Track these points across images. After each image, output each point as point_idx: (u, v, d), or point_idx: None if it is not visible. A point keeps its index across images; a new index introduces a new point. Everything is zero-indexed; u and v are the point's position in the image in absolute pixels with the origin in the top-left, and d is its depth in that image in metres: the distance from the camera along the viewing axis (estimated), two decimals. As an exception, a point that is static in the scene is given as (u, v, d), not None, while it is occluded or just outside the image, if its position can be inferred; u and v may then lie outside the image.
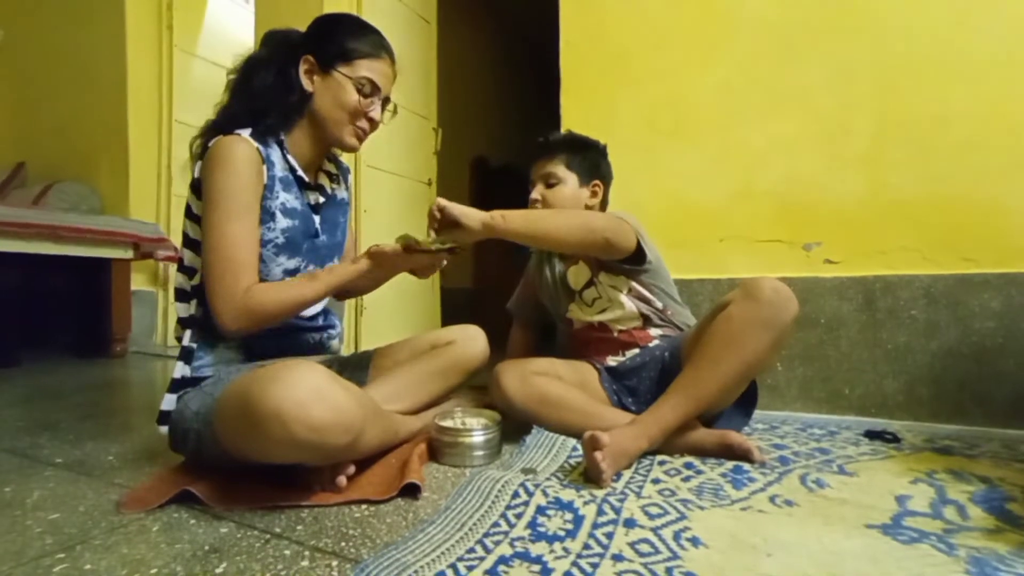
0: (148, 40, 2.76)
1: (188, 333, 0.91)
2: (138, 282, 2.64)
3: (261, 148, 0.91)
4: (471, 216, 0.95)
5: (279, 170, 0.94)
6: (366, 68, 0.95)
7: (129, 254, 2.38)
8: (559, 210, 1.22)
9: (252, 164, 0.89)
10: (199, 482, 0.79)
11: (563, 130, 1.30)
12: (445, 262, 1.01)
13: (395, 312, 2.48)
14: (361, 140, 1.00)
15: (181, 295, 0.94)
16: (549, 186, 1.26)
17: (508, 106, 4.76)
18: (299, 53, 0.95)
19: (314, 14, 1.00)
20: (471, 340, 1.17)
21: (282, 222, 0.93)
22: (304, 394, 0.70)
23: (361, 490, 0.81)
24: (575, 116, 1.70)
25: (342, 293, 1.15)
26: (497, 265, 3.77)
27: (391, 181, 2.47)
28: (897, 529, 0.68)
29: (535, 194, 1.27)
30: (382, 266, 0.94)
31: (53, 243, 2.07)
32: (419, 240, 0.92)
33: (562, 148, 1.28)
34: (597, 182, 1.28)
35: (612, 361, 1.22)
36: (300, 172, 0.97)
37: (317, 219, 1.00)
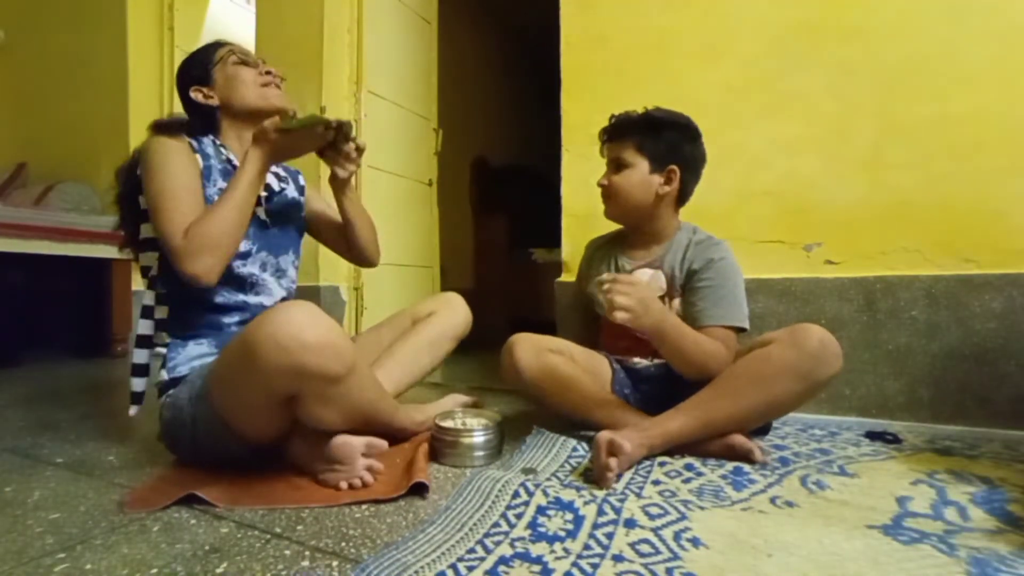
0: (149, 41, 2.75)
1: (151, 325, 0.99)
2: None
3: (193, 142, 0.97)
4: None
5: (215, 161, 0.99)
6: (224, 51, 1.04)
7: (129, 254, 2.38)
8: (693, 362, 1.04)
9: (182, 150, 0.94)
10: (203, 485, 0.79)
11: (647, 108, 1.18)
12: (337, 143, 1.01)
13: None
14: (277, 88, 1.04)
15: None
16: (617, 170, 1.18)
17: (508, 106, 4.75)
18: (188, 94, 1.02)
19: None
20: (452, 307, 1.18)
21: None
22: (297, 318, 0.74)
23: (369, 490, 0.81)
24: (576, 117, 1.70)
25: (347, 229, 1.14)
26: (497, 265, 3.77)
27: (391, 181, 2.46)
28: (898, 530, 0.68)
29: (602, 179, 1.21)
30: (266, 141, 0.92)
31: (54, 243, 2.08)
32: (292, 119, 0.95)
33: (633, 130, 1.17)
34: (673, 167, 1.15)
35: (638, 362, 1.19)
36: (237, 163, 1.00)
37: (261, 210, 1.03)
